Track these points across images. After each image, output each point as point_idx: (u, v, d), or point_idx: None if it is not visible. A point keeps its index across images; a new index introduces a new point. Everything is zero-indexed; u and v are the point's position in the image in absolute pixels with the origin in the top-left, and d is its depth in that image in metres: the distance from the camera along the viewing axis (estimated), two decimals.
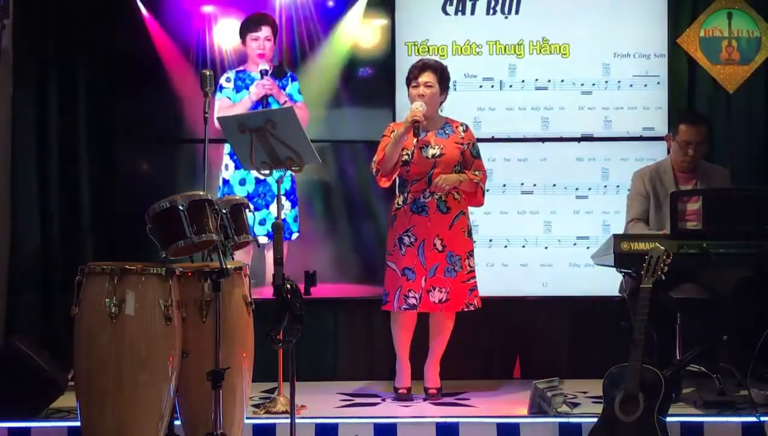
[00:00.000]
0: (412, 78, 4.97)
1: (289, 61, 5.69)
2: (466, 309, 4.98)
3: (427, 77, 4.95)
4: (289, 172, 4.22)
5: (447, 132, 5.02)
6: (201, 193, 3.92)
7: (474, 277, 5.01)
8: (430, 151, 4.93)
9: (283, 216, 4.12)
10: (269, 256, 5.27)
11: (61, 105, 5.67)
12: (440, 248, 4.92)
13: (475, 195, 5.00)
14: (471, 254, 5.01)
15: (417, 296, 4.90)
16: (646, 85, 5.69)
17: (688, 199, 4.80)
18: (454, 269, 4.93)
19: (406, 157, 4.92)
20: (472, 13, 5.72)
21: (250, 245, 4.48)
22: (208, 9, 5.68)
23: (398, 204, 4.99)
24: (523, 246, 5.69)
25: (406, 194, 4.97)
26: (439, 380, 5.06)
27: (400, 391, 5.04)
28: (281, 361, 4.85)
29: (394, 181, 5.02)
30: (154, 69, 5.63)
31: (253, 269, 5.11)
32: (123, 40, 5.64)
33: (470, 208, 5.09)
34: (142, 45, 5.62)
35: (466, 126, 5.10)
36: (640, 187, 5.22)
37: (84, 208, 5.65)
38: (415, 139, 4.83)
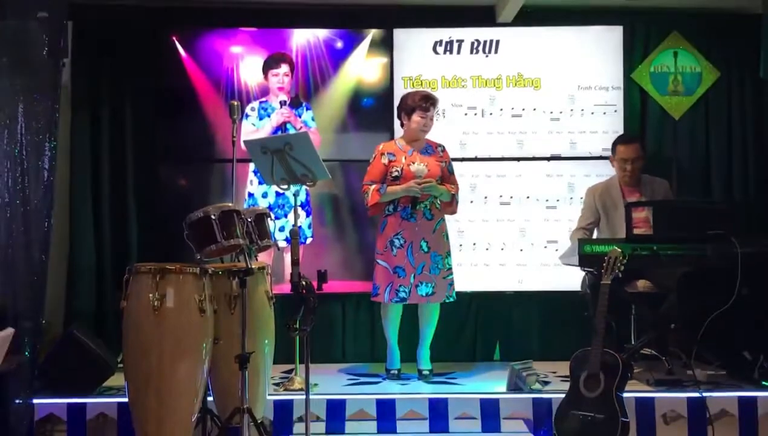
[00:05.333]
0: (419, 108, 4.95)
1: (304, 93, 5.69)
2: (446, 300, 4.98)
3: (432, 111, 4.98)
4: (304, 187, 4.22)
5: (429, 152, 5.04)
6: (230, 204, 3.92)
7: (452, 274, 5.00)
8: (418, 168, 4.94)
9: (298, 224, 4.11)
10: (287, 257, 5.27)
11: (111, 131, 5.67)
12: (426, 249, 4.92)
13: (451, 205, 5.02)
14: (449, 254, 5.02)
15: (407, 290, 4.89)
16: (605, 113, 5.70)
17: (638, 209, 4.82)
18: (438, 267, 4.93)
19: (396, 173, 4.93)
20: (458, 52, 5.72)
21: (272, 248, 4.48)
22: (235, 49, 5.69)
23: (389, 211, 4.97)
24: (502, 249, 5.68)
25: (396, 203, 4.96)
26: (430, 362, 5.06)
27: (392, 372, 5.03)
28: (297, 346, 4.85)
29: None
30: (190, 100, 5.63)
31: (274, 268, 5.12)
32: (164, 76, 5.64)
33: (454, 217, 5.11)
34: (180, 80, 5.62)
35: (443, 147, 5.12)
36: (590, 203, 5.27)
37: (131, 218, 5.65)
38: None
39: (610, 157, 5.31)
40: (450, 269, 5.00)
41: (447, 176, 5.04)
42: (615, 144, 5.26)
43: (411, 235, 4.91)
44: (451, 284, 4.99)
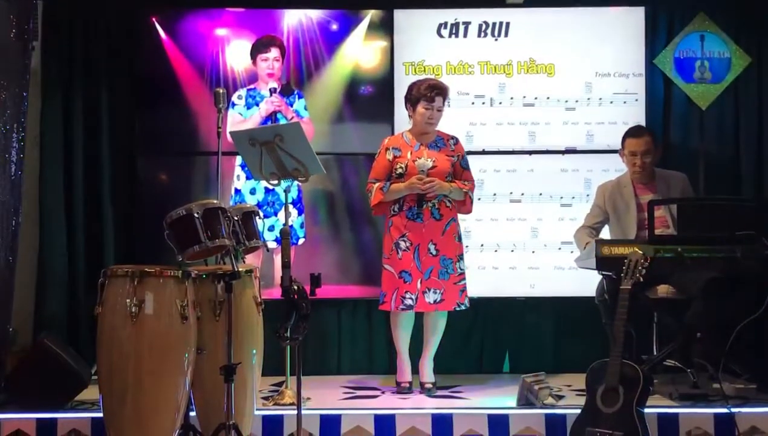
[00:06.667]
0: (424, 98, 4.94)
1: (296, 80, 5.69)
2: (457, 308, 4.98)
3: (439, 102, 4.96)
4: (295, 182, 4.22)
5: (439, 145, 5.04)
6: (214, 201, 3.92)
7: (464, 278, 5.01)
8: (422, 163, 4.94)
9: (290, 223, 4.11)
10: (277, 259, 5.27)
11: (85, 120, 5.67)
12: (434, 253, 4.92)
13: (464, 203, 5.01)
14: (461, 258, 5.01)
15: (413, 297, 4.90)
16: (625, 102, 5.70)
17: (659, 207, 4.81)
18: (447, 272, 4.93)
19: (400, 170, 4.94)
20: (465, 36, 5.72)
21: (260, 250, 4.48)
22: (221, 32, 5.69)
23: (394, 211, 4.99)
24: (512, 250, 5.69)
25: (401, 202, 4.96)
26: (433, 375, 5.06)
27: (402, 385, 5.03)
28: (288, 356, 4.85)
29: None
30: (171, 87, 5.63)
31: (263, 271, 5.11)
32: (143, 61, 5.65)
33: (462, 215, 5.10)
34: (160, 65, 5.62)
35: (456, 139, 5.12)
36: (599, 201, 5.28)
37: (106, 216, 5.65)
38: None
39: (619, 151, 5.31)
40: (462, 273, 4.99)
41: (459, 172, 5.03)
42: (624, 137, 5.26)
43: (417, 236, 4.91)
44: (463, 290, 4.99)
